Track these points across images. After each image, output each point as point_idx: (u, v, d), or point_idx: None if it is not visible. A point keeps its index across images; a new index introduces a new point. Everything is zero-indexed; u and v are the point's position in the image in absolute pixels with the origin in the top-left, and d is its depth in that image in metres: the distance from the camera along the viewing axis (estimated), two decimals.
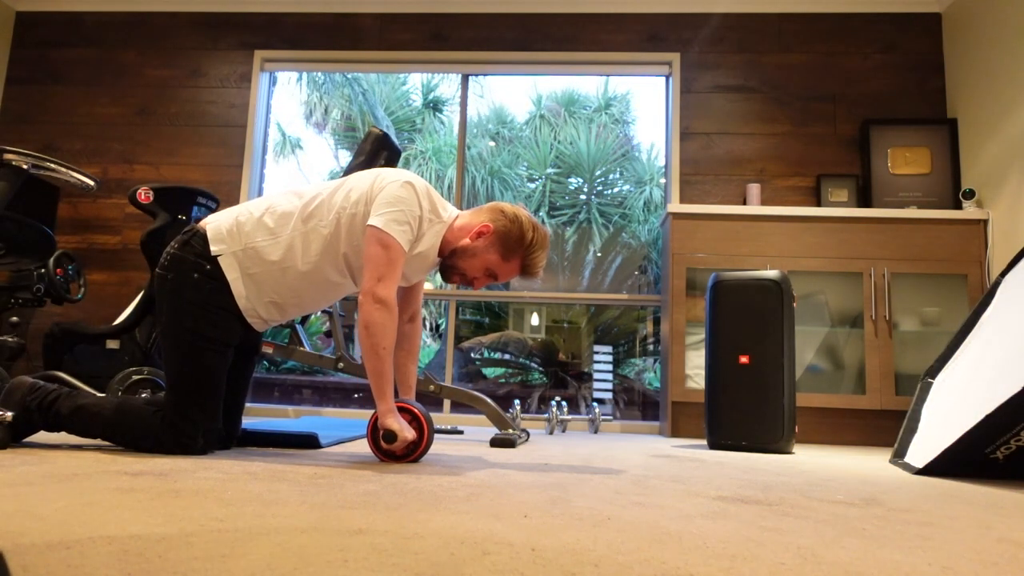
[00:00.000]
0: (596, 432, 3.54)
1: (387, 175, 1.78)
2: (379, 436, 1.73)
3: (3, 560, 0.49)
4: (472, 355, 6.96)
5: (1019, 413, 1.71)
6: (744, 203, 3.78)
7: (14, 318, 2.87)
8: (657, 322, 4.39)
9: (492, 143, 7.89)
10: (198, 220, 3.22)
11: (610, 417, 3.87)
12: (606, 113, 7.89)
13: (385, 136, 3.02)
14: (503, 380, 7.00)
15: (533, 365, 6.84)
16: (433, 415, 3.99)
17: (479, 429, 3.45)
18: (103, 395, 1.83)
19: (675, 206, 3.53)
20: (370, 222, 1.70)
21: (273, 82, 4.41)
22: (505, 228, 1.80)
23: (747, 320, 2.78)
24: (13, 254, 2.95)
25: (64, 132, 4.22)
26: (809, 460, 2.36)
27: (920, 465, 1.98)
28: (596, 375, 4.62)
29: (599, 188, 7.73)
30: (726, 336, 2.81)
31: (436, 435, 2.91)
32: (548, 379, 6.71)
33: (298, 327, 2.96)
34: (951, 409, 2.08)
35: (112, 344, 3.08)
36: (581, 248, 7.39)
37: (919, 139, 3.72)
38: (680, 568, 0.77)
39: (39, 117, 4.25)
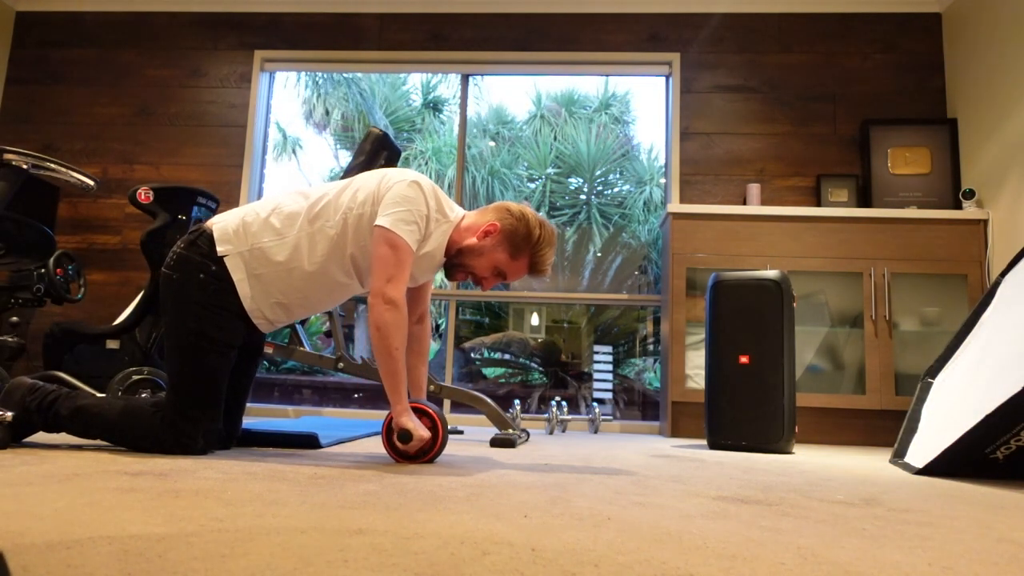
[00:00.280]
0: (596, 432, 3.54)
1: (393, 175, 1.78)
2: (394, 436, 1.72)
3: (3, 560, 0.49)
4: (472, 355, 6.96)
5: (1019, 413, 1.71)
6: (744, 203, 3.78)
7: (14, 318, 2.87)
8: (657, 322, 4.39)
9: (492, 143, 7.88)
10: (198, 220, 3.23)
11: (610, 417, 3.87)
12: (606, 113, 7.89)
13: (385, 136, 3.02)
14: (503, 380, 7.00)
15: (533, 365, 6.84)
16: None
17: (479, 429, 3.45)
18: (103, 395, 1.83)
19: (675, 206, 3.53)
20: (377, 222, 1.70)
21: (271, 82, 4.41)
22: (512, 226, 1.79)
23: (747, 320, 2.78)
24: (13, 254, 2.95)
25: (64, 132, 4.22)
26: (809, 460, 2.36)
27: (920, 465, 1.98)
28: (596, 375, 4.63)
29: (599, 188, 7.73)
30: (726, 336, 2.81)
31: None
32: (548, 379, 6.71)
33: (298, 327, 2.96)
34: (951, 409, 2.08)
35: (112, 344, 3.07)
36: (581, 248, 7.39)
37: (919, 139, 3.72)
38: (680, 568, 0.77)
39: (39, 117, 4.25)
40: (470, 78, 4.46)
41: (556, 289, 4.49)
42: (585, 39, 4.10)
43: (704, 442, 3.11)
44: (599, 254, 7.43)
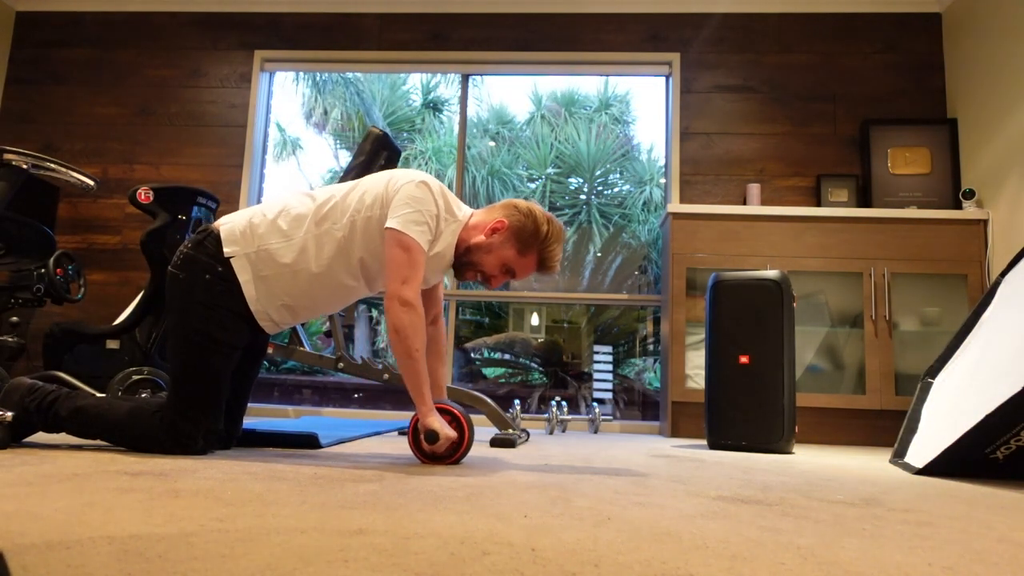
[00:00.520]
0: (596, 432, 3.54)
1: (401, 176, 1.77)
2: (420, 437, 1.72)
3: (3, 560, 0.49)
4: (472, 355, 6.96)
5: (1019, 413, 1.71)
6: (744, 203, 3.78)
7: (14, 318, 2.87)
8: (657, 322, 4.39)
9: (492, 143, 7.88)
10: (198, 220, 3.23)
11: (610, 417, 3.87)
12: (606, 113, 7.89)
13: (385, 136, 3.02)
14: (503, 380, 7.00)
15: (533, 365, 6.84)
16: None
17: (479, 429, 3.45)
18: (102, 395, 1.83)
19: (675, 206, 3.53)
20: (388, 224, 1.69)
21: (271, 81, 4.41)
22: (520, 223, 1.79)
23: (747, 320, 2.78)
24: (13, 254, 2.95)
25: (64, 132, 4.22)
26: (809, 460, 2.36)
27: (920, 465, 1.98)
28: (596, 375, 4.63)
29: (599, 188, 7.73)
30: (726, 336, 2.81)
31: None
32: (548, 379, 6.71)
33: (298, 327, 2.96)
34: (951, 409, 2.08)
35: (112, 344, 3.07)
36: (581, 248, 7.38)
37: (919, 139, 3.72)
38: (680, 568, 0.77)
39: (39, 117, 4.25)
40: (470, 78, 4.46)
41: (556, 289, 4.49)
42: (585, 39, 4.10)
43: (704, 442, 3.10)
44: (599, 254, 7.43)
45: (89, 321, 3.86)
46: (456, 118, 5.03)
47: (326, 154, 8.75)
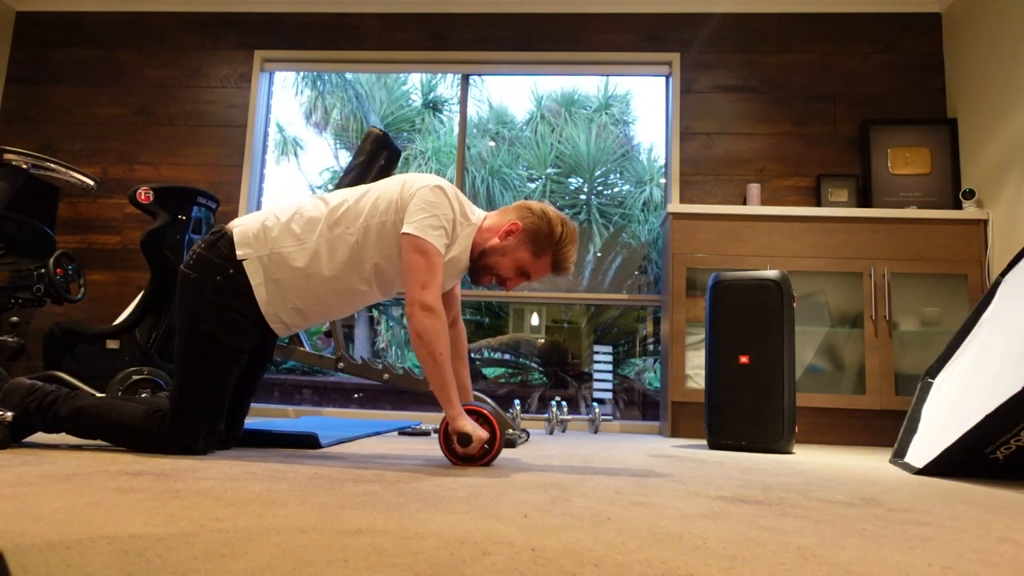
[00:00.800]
0: (596, 432, 3.54)
1: (414, 180, 1.77)
2: (452, 441, 1.72)
3: (3, 560, 0.49)
4: (472, 355, 6.96)
5: (1019, 413, 1.71)
6: (744, 203, 3.78)
7: (14, 318, 2.87)
8: (657, 322, 4.39)
9: (492, 143, 7.88)
10: (198, 220, 3.23)
11: (610, 417, 3.87)
12: (606, 113, 7.89)
13: (385, 136, 3.02)
14: (503, 380, 7.00)
15: (533, 365, 6.84)
16: (432, 415, 3.99)
17: None
18: (102, 395, 1.83)
19: (675, 206, 3.53)
20: (405, 230, 1.69)
21: (271, 81, 4.41)
22: (534, 225, 1.79)
23: (747, 320, 2.78)
24: (13, 254, 2.95)
25: (64, 132, 4.22)
26: (809, 460, 2.36)
27: (920, 465, 1.98)
28: (596, 375, 4.62)
29: (599, 188, 7.73)
30: (726, 336, 2.81)
31: (436, 435, 2.90)
32: (548, 379, 6.71)
33: None
34: (951, 409, 2.08)
35: (112, 344, 3.07)
36: (581, 248, 7.38)
37: (919, 139, 3.72)
38: (680, 568, 0.77)
39: (39, 117, 4.25)
40: (470, 78, 4.46)
41: (556, 289, 4.49)
42: (585, 39, 4.10)
43: (704, 442, 3.10)
44: (599, 254, 7.43)
45: (89, 321, 3.86)
46: (456, 118, 5.03)
47: (326, 154, 8.75)
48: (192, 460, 1.61)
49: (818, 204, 3.78)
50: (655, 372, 6.06)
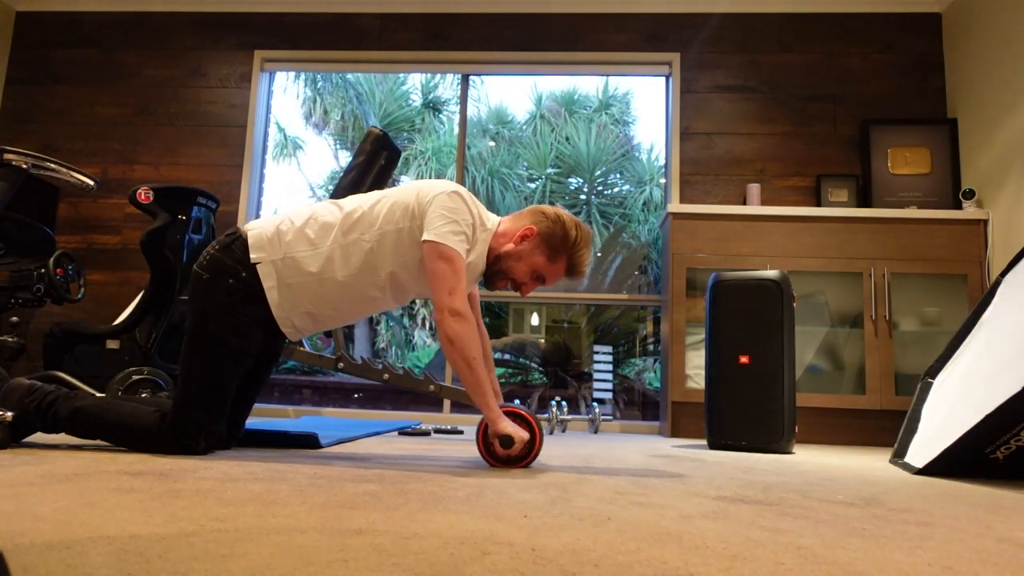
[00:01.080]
0: (596, 432, 3.54)
1: (430, 187, 1.77)
2: (494, 444, 1.72)
3: (3, 560, 0.49)
4: None
5: (1019, 413, 1.71)
6: (744, 203, 3.78)
7: (14, 318, 2.86)
8: (657, 322, 4.39)
9: (492, 143, 7.88)
10: (198, 220, 3.23)
11: (610, 417, 3.87)
12: (606, 113, 7.89)
13: (385, 136, 3.02)
14: (503, 380, 7.00)
15: (533, 365, 6.84)
16: (432, 415, 3.99)
17: None
18: (102, 395, 1.83)
19: (675, 206, 3.53)
20: (426, 237, 1.69)
21: (271, 81, 4.41)
22: (549, 229, 1.80)
23: (747, 320, 2.78)
24: (13, 254, 2.95)
25: (64, 132, 4.22)
26: (809, 460, 2.36)
27: (920, 465, 1.98)
28: (596, 375, 4.62)
29: (599, 188, 7.73)
30: (726, 336, 2.81)
31: (436, 435, 2.90)
32: (548, 379, 6.71)
33: None
34: (951, 409, 2.08)
35: (112, 344, 3.07)
36: None
37: (919, 139, 3.72)
38: (680, 568, 0.77)
39: (39, 117, 4.25)
40: (470, 78, 4.46)
41: (556, 289, 4.49)
42: (585, 39, 4.10)
43: (704, 442, 3.10)
44: (599, 254, 7.43)
45: (89, 321, 3.86)
46: (456, 118, 5.03)
47: (326, 154, 8.75)
48: (192, 460, 1.61)
49: (818, 204, 3.78)
50: (655, 372, 6.06)
